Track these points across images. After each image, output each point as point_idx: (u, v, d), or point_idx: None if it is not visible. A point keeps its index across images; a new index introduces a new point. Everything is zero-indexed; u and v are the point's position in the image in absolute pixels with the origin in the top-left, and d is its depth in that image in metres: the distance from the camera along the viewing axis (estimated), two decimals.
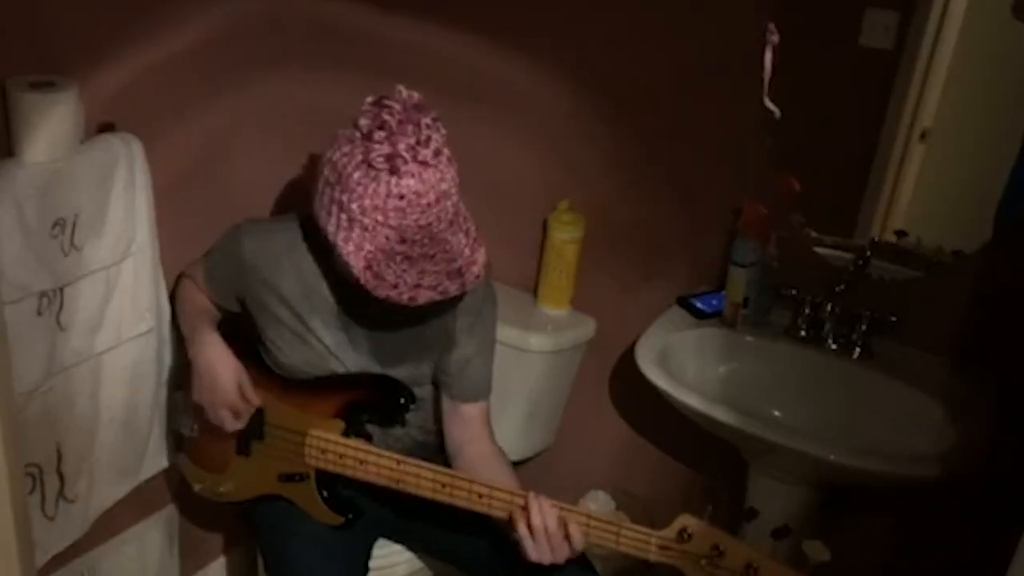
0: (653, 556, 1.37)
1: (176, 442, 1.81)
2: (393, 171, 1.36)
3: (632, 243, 2.03)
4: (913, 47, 1.72)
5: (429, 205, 1.38)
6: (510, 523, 1.42)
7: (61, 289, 1.55)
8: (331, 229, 1.42)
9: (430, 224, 1.38)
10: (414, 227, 1.38)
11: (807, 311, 1.82)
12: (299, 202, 1.70)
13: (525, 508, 1.40)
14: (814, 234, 1.86)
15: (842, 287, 1.80)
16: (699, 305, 1.91)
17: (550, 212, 2.04)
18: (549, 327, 2.05)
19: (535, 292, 2.12)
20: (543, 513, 1.38)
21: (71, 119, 1.51)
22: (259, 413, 1.64)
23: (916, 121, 1.75)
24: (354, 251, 1.39)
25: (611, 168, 2.00)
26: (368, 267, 1.39)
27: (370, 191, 1.36)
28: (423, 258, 1.39)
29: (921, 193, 1.79)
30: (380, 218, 1.37)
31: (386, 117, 1.38)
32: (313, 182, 1.48)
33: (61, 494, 1.66)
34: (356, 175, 1.38)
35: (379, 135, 1.37)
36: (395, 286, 1.39)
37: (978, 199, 1.74)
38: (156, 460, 1.87)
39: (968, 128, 1.76)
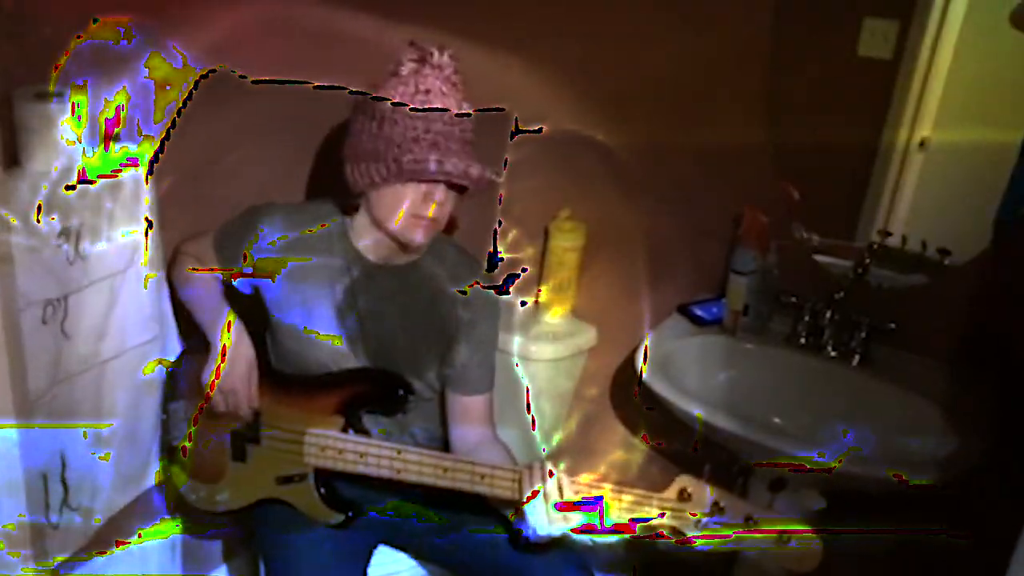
0: (655, 518, 1.39)
1: (169, 455, 1.81)
2: (418, 72, 1.50)
3: (633, 251, 2.04)
4: (912, 56, 1.73)
5: (450, 108, 1.49)
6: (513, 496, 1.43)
7: (66, 298, 1.56)
8: (360, 139, 1.53)
9: (451, 128, 1.49)
10: (438, 121, 1.49)
11: (807, 318, 1.83)
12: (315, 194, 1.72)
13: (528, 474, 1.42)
14: (815, 241, 1.87)
15: (841, 294, 1.81)
16: (699, 313, 1.92)
17: (551, 220, 2.05)
18: (550, 335, 2.06)
19: (536, 300, 2.13)
20: (544, 478, 1.40)
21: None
22: (255, 417, 1.65)
23: (915, 129, 1.76)
24: (384, 147, 1.49)
25: (612, 176, 2.01)
26: (398, 146, 1.49)
27: (399, 91, 1.49)
28: (444, 147, 1.49)
29: (920, 201, 1.81)
30: (407, 111, 1.49)
31: (416, 47, 1.52)
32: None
33: (65, 502, 1.66)
34: (387, 86, 1.51)
35: (411, 51, 1.52)
36: (418, 161, 1.48)
37: (977, 206, 1.75)
38: (159, 470, 1.87)
39: (967, 136, 1.77)
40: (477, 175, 1.49)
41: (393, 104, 1.48)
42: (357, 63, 2.11)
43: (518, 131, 1.69)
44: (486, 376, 1.70)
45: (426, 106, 1.48)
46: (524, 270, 2.11)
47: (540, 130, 1.91)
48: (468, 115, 1.51)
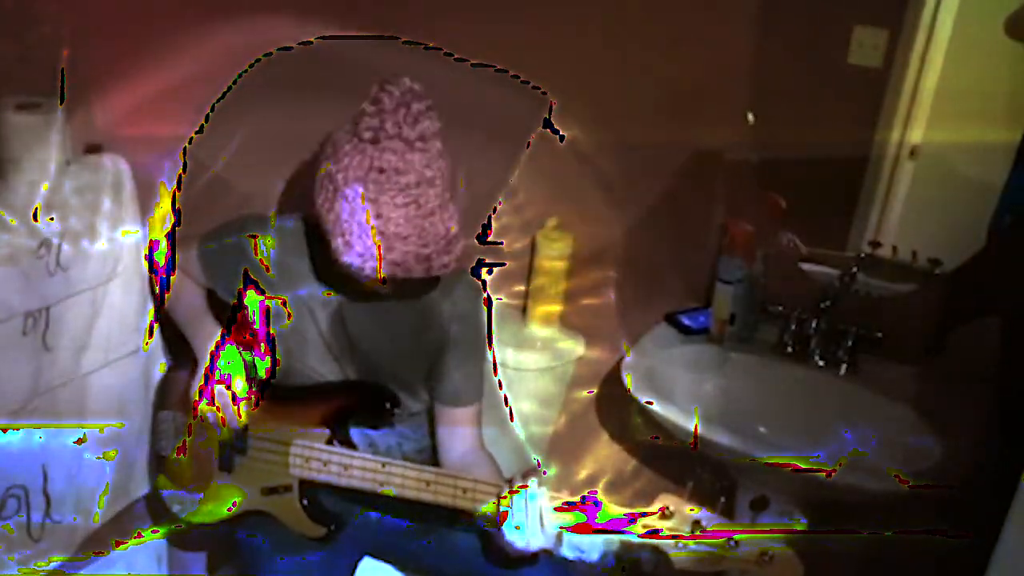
0: (636, 536, 1.38)
1: (156, 465, 1.80)
2: (375, 143, 1.38)
3: (619, 260, 2.04)
4: (901, 65, 1.73)
5: (408, 186, 1.39)
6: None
7: (47, 309, 1.55)
8: (319, 200, 1.44)
9: (407, 205, 1.39)
10: (389, 204, 1.39)
11: (793, 327, 1.83)
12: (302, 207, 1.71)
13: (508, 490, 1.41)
14: (802, 250, 1.87)
15: (828, 303, 1.81)
16: (686, 322, 1.92)
17: (538, 230, 2.04)
18: (538, 345, 2.05)
19: (524, 310, 2.13)
20: (527, 491, 1.39)
21: (58, 140, 1.51)
22: (243, 428, 1.64)
23: (905, 138, 1.76)
24: (334, 220, 1.41)
25: (598, 186, 2.01)
26: (342, 234, 1.41)
27: (354, 162, 1.39)
28: (395, 237, 1.40)
29: (911, 210, 1.81)
30: (360, 189, 1.39)
31: (382, 95, 1.41)
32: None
33: (47, 515, 1.65)
34: (346, 147, 1.41)
35: (371, 109, 1.40)
36: (361, 255, 1.41)
37: (968, 214, 1.75)
38: (144, 481, 1.86)
39: (957, 144, 1.77)
40: (422, 271, 1.42)
41: (344, 176, 1.39)
42: (347, 84, 2.12)
43: (549, 123, 1.63)
44: (474, 387, 1.68)
45: (379, 184, 1.37)
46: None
47: (563, 137, 1.87)
48: (430, 180, 1.39)
